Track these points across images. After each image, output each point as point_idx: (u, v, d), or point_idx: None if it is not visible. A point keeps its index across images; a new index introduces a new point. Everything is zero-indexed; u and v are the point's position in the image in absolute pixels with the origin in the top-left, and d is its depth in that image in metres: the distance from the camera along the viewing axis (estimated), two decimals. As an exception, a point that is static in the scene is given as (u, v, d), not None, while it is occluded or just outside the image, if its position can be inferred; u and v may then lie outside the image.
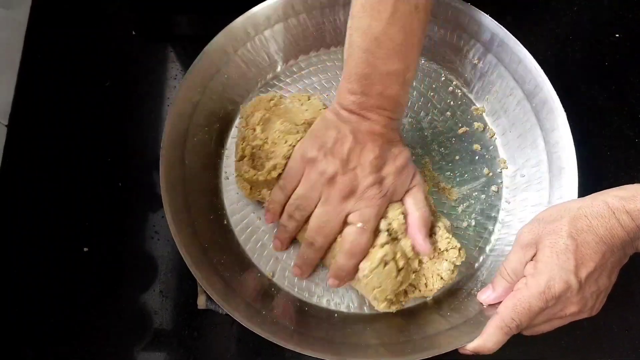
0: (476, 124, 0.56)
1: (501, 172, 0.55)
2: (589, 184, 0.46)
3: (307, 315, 0.49)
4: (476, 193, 0.54)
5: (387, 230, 0.45)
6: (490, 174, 0.55)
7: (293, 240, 0.51)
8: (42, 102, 0.58)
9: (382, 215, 0.46)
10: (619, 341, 0.51)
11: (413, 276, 0.46)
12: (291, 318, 0.47)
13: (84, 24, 0.62)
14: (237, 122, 0.56)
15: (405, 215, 0.46)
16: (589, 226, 0.40)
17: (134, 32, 0.62)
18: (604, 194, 0.41)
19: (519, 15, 0.63)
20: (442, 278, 0.47)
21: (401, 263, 0.45)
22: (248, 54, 0.56)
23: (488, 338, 0.42)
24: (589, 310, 0.42)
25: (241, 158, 0.51)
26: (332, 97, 0.57)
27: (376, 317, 0.49)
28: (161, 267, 0.53)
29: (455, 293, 0.49)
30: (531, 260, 0.42)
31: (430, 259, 0.47)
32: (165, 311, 0.51)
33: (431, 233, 0.48)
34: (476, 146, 0.55)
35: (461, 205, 0.53)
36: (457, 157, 0.55)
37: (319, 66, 0.58)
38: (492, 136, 0.56)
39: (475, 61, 0.56)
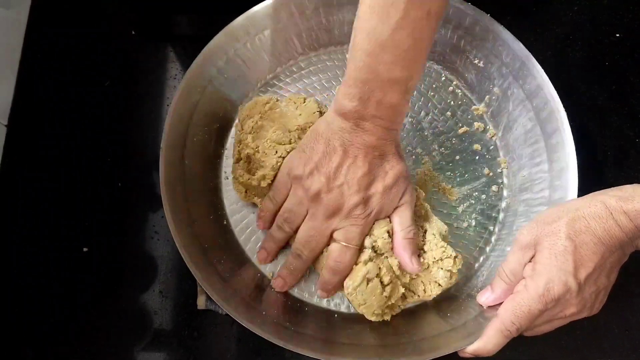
0: (476, 124, 0.56)
1: (502, 172, 0.55)
2: (589, 184, 0.46)
3: (307, 316, 0.49)
4: (476, 193, 0.54)
5: (372, 247, 0.46)
6: (491, 174, 0.55)
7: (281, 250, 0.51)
8: (41, 102, 0.58)
9: (368, 232, 0.46)
10: (619, 341, 0.51)
11: (402, 290, 0.46)
12: (291, 318, 0.47)
13: (84, 24, 0.62)
14: (236, 122, 0.56)
15: (390, 233, 0.46)
16: (587, 227, 0.40)
17: (133, 32, 0.62)
18: (601, 194, 0.41)
19: (519, 15, 0.63)
20: (439, 285, 0.47)
21: (387, 279, 0.45)
22: (248, 53, 0.55)
23: (488, 340, 0.42)
24: (588, 310, 0.42)
25: (237, 160, 0.51)
26: (331, 97, 0.57)
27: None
28: (161, 267, 0.53)
29: (455, 294, 0.49)
30: (530, 261, 0.42)
31: (427, 267, 0.47)
32: (165, 311, 0.51)
33: (422, 245, 0.47)
34: (476, 146, 0.55)
35: (461, 205, 0.53)
36: (457, 157, 0.55)
37: (319, 66, 0.58)
38: (493, 136, 0.56)
39: (476, 61, 0.56)
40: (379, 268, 0.45)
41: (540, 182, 0.51)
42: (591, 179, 0.49)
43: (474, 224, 0.53)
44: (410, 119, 0.56)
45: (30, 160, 0.56)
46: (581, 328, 0.49)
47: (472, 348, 0.42)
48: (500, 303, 0.43)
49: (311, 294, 0.50)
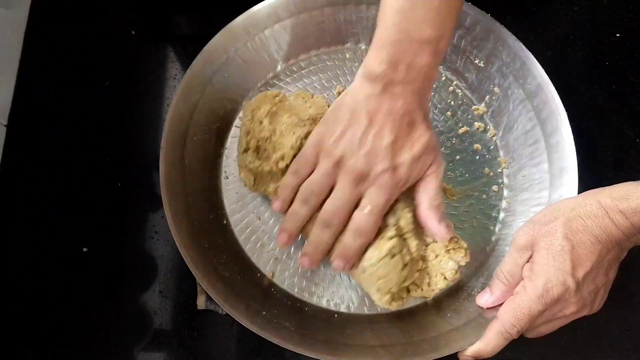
0: (477, 124, 0.56)
1: (502, 172, 0.55)
2: (589, 184, 0.46)
3: (307, 316, 0.48)
4: (477, 193, 0.54)
5: (395, 225, 0.45)
6: (491, 173, 0.55)
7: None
8: (41, 102, 0.58)
9: (391, 208, 0.45)
10: (619, 341, 0.51)
11: (417, 275, 0.46)
12: (291, 318, 0.47)
13: (84, 24, 0.62)
14: (237, 121, 0.56)
15: (413, 213, 0.46)
16: (583, 226, 0.40)
17: (133, 32, 0.62)
18: (597, 193, 0.41)
19: (519, 15, 0.63)
20: (445, 278, 0.46)
21: (406, 259, 0.45)
22: (248, 53, 0.55)
23: (488, 342, 0.42)
24: (588, 308, 0.42)
25: (245, 150, 0.50)
26: (332, 97, 0.57)
27: (376, 318, 0.49)
28: (161, 267, 0.53)
29: (456, 294, 0.49)
30: (528, 262, 0.42)
31: (437, 256, 0.46)
32: (165, 311, 0.51)
33: None
34: (477, 146, 0.55)
35: (462, 205, 0.53)
36: (457, 157, 0.55)
37: (319, 65, 0.58)
38: (493, 136, 0.56)
39: (476, 61, 0.56)
40: (401, 247, 0.44)
41: (540, 182, 0.51)
42: (591, 179, 0.49)
43: (474, 223, 0.53)
44: (410, 119, 0.56)
45: (30, 160, 0.56)
46: (581, 328, 0.49)
47: (472, 350, 0.42)
48: (500, 304, 0.43)
49: (311, 294, 0.50)
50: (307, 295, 0.50)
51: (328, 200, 0.45)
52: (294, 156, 0.47)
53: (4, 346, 0.50)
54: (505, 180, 0.54)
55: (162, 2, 0.64)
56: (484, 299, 0.45)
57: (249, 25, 0.55)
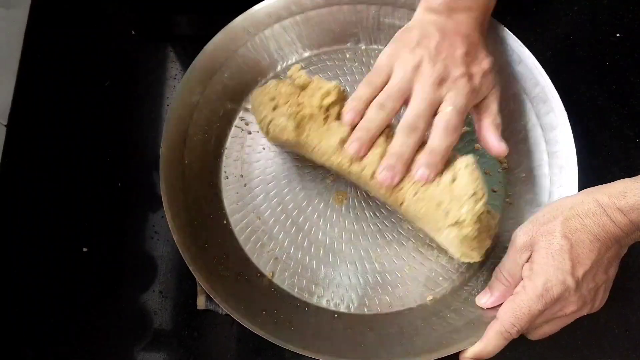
0: (476, 124, 0.56)
1: (501, 171, 0.55)
2: (589, 183, 0.46)
3: (307, 316, 0.48)
4: (476, 193, 0.54)
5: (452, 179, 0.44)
6: (491, 173, 0.54)
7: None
8: (41, 102, 0.58)
9: (449, 161, 0.44)
10: (619, 341, 0.51)
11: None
12: (291, 318, 0.47)
13: (84, 24, 0.62)
14: (237, 121, 0.56)
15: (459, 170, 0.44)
16: (582, 225, 0.40)
17: (133, 32, 0.62)
18: (594, 192, 0.41)
19: (519, 15, 0.63)
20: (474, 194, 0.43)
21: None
22: (248, 53, 0.56)
23: (488, 343, 0.42)
24: (589, 307, 0.42)
25: (274, 108, 0.48)
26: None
27: (376, 318, 0.49)
28: (161, 267, 0.53)
29: (456, 294, 0.49)
30: (527, 262, 0.42)
31: (451, 182, 0.44)
32: (165, 311, 0.51)
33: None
34: (477, 146, 0.55)
35: (461, 205, 0.53)
36: (457, 157, 0.55)
37: (319, 65, 0.58)
38: (492, 136, 0.56)
39: (476, 61, 0.56)
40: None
41: (540, 182, 0.51)
42: (591, 179, 0.49)
43: (474, 223, 0.53)
44: (410, 119, 0.56)
45: (30, 160, 0.56)
46: (581, 328, 0.49)
47: (472, 351, 0.42)
48: (500, 304, 0.43)
49: (311, 294, 0.50)
50: (307, 295, 0.50)
51: (411, 103, 0.45)
52: (339, 93, 0.46)
53: (4, 346, 0.50)
54: (505, 180, 0.54)
55: (162, 2, 0.64)
56: (484, 300, 0.45)
57: (249, 25, 0.55)
